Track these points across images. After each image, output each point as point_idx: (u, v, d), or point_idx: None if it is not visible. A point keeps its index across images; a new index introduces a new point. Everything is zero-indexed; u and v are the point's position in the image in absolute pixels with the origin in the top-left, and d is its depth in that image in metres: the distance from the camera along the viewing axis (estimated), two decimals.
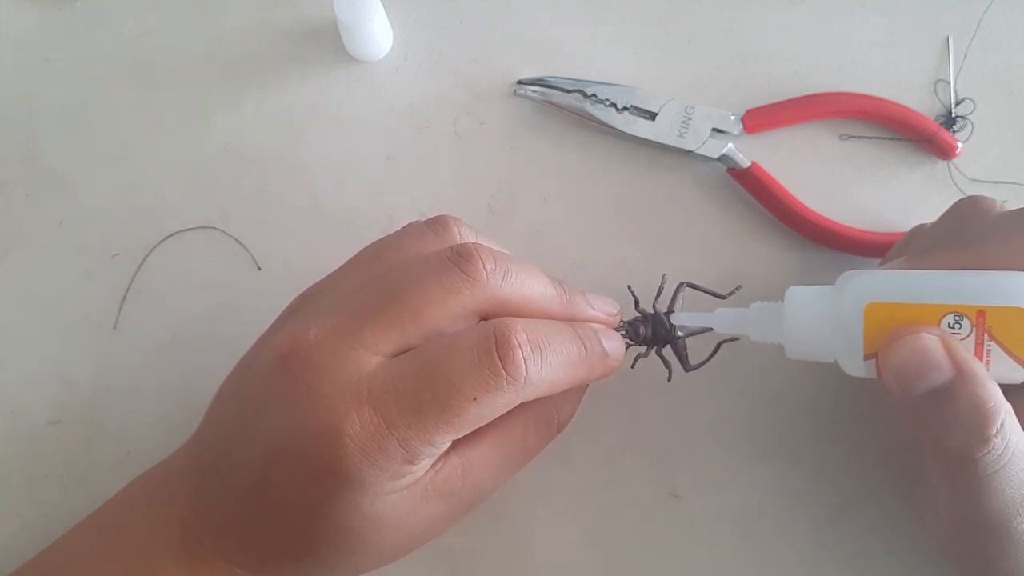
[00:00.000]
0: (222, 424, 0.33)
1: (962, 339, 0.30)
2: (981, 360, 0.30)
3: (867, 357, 0.31)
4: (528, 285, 0.32)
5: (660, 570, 0.39)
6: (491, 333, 0.30)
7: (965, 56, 0.45)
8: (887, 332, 0.30)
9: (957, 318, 0.30)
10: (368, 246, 0.35)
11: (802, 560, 0.39)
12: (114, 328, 0.42)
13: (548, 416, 0.35)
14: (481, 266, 0.31)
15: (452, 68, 0.45)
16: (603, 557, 0.39)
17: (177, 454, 0.35)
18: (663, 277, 0.38)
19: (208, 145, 0.44)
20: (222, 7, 0.46)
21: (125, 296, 0.42)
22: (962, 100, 0.44)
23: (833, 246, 0.42)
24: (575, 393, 0.36)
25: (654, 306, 0.37)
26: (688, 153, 0.43)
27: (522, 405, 0.31)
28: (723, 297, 0.38)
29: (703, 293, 0.38)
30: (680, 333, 0.37)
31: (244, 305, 0.42)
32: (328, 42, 0.45)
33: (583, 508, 0.39)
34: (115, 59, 0.46)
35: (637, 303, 0.38)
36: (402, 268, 0.32)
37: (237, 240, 0.43)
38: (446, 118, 0.45)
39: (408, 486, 0.30)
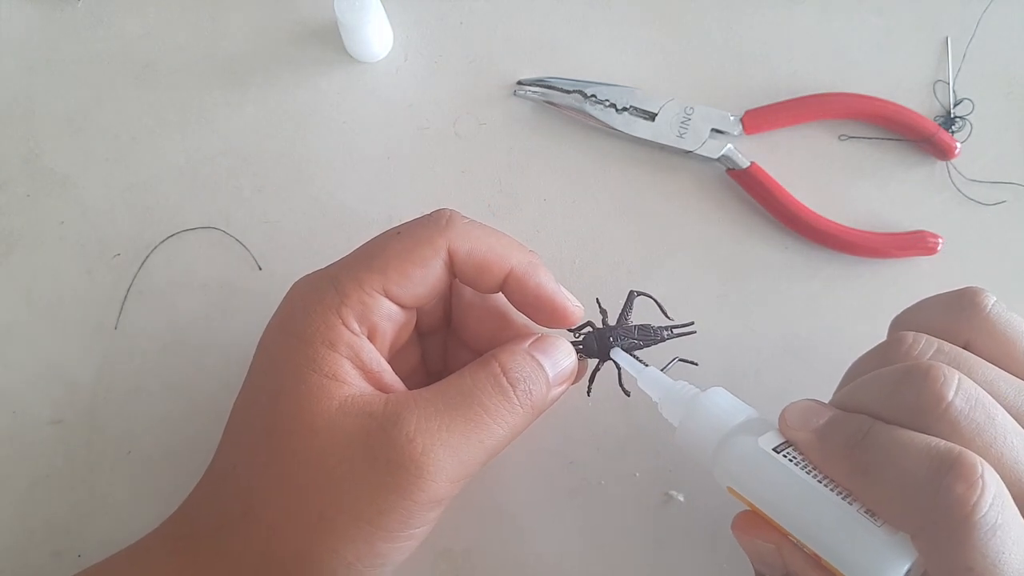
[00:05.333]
0: None
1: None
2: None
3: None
4: (490, 234, 0.33)
5: (660, 570, 0.39)
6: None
7: (964, 56, 0.45)
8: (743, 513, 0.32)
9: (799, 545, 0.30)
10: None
11: None
12: (115, 328, 0.42)
13: (494, 373, 0.33)
14: (444, 214, 0.33)
15: (452, 69, 0.45)
16: (603, 557, 0.39)
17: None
18: (630, 293, 0.37)
19: (209, 145, 0.44)
20: (223, 8, 0.46)
21: (126, 296, 0.42)
22: (961, 100, 0.44)
23: (832, 246, 0.42)
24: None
25: (604, 322, 0.37)
26: (687, 153, 0.43)
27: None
28: (670, 323, 0.37)
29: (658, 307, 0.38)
30: (617, 358, 0.36)
31: (245, 305, 0.42)
32: (328, 43, 0.45)
33: (583, 508, 0.39)
34: (116, 59, 0.46)
35: (604, 316, 0.37)
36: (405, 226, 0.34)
37: (238, 240, 0.43)
38: (446, 118, 0.45)
39: None
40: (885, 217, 0.43)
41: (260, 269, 0.43)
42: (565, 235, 0.43)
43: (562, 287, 0.34)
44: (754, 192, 0.43)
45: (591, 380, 0.37)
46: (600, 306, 0.37)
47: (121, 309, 0.42)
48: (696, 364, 0.37)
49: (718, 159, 0.43)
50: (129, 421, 0.41)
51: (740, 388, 0.41)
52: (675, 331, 0.37)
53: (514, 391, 0.32)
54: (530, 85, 0.44)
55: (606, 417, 0.40)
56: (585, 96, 0.44)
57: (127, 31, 0.46)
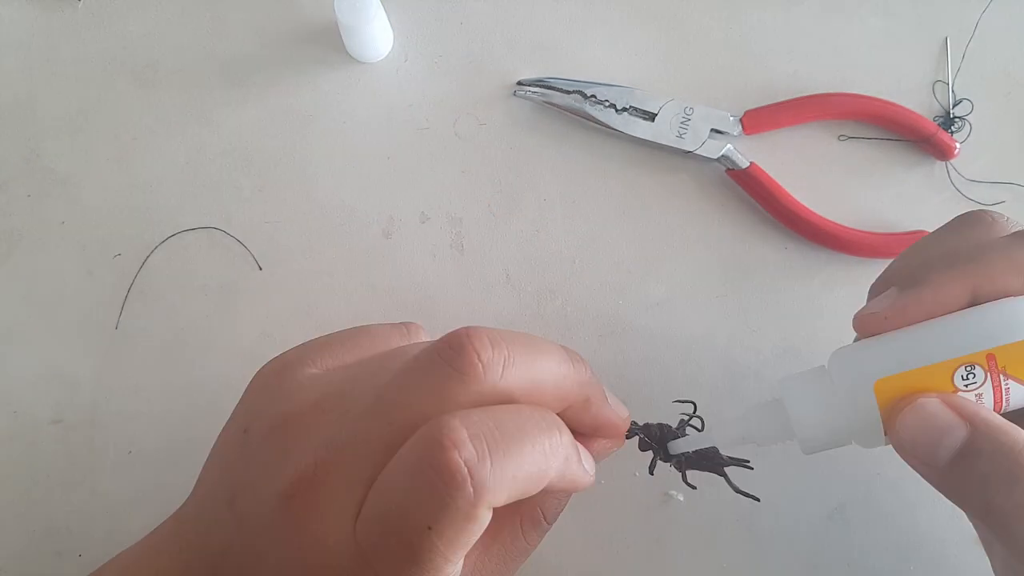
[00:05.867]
0: (217, 535, 0.29)
1: (979, 387, 0.28)
2: (1001, 401, 0.28)
3: (887, 433, 0.29)
4: (538, 367, 0.27)
5: (660, 570, 0.39)
6: (422, 439, 0.24)
7: (963, 57, 0.45)
8: (900, 405, 0.28)
9: (968, 369, 0.27)
10: (359, 329, 0.32)
11: (802, 560, 0.39)
12: (116, 328, 0.42)
13: (533, 515, 0.30)
14: (475, 357, 0.25)
15: (452, 69, 0.46)
16: (603, 557, 0.39)
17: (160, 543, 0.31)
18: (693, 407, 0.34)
19: (209, 145, 0.45)
20: (223, 8, 0.46)
21: (127, 296, 0.42)
22: (960, 101, 0.44)
23: (831, 246, 0.42)
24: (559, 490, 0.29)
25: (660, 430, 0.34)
26: (687, 154, 0.43)
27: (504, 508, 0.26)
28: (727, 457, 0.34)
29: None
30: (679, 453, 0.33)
31: (245, 305, 0.42)
32: (329, 43, 0.45)
33: (583, 508, 0.39)
34: (117, 60, 0.46)
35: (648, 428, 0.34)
36: (394, 379, 0.26)
37: (238, 240, 0.43)
38: (446, 119, 0.45)
39: None
40: (885, 217, 0.43)
41: (260, 269, 0.43)
42: (565, 235, 0.43)
43: (609, 398, 0.31)
44: (754, 192, 0.43)
45: (652, 466, 0.34)
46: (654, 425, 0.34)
47: (122, 309, 0.42)
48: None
49: (718, 159, 0.43)
50: (129, 421, 0.41)
51: (740, 388, 0.41)
52: (732, 461, 0.34)
53: (548, 524, 0.31)
54: (530, 85, 0.44)
55: None
56: (585, 96, 0.44)
57: (128, 31, 0.46)
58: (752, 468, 0.34)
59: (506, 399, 0.26)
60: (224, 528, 0.27)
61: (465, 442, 0.23)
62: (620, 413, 0.31)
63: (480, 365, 0.25)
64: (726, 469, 0.33)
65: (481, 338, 0.25)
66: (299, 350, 0.31)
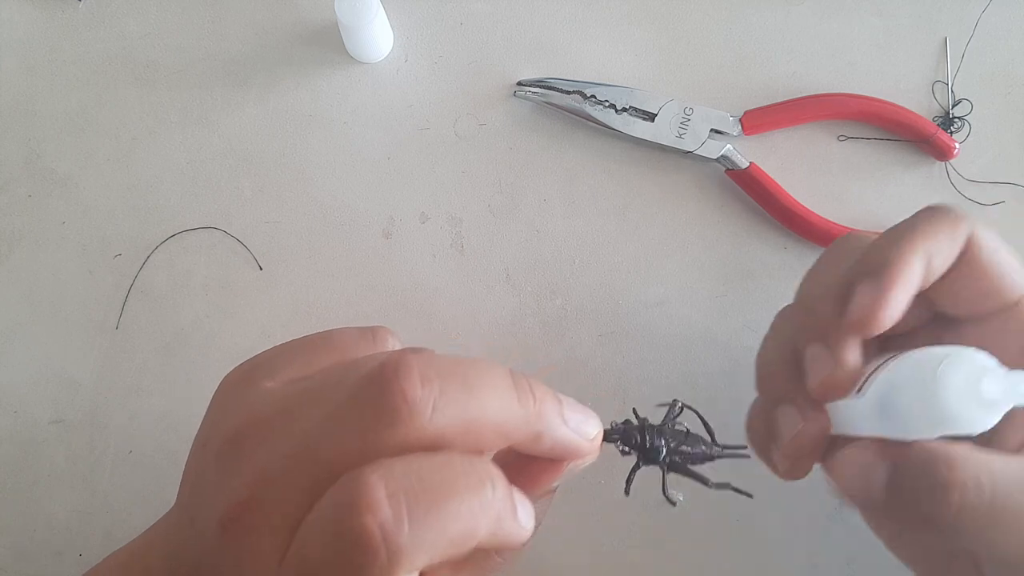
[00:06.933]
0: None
1: None
2: None
3: None
4: (475, 405, 0.24)
5: (660, 570, 0.39)
6: (337, 498, 0.23)
7: (963, 57, 0.45)
8: None
9: None
10: (323, 336, 0.30)
11: (802, 560, 0.39)
12: (116, 328, 0.42)
13: (485, 559, 0.27)
14: (400, 397, 0.23)
15: (452, 69, 0.46)
16: (603, 557, 0.39)
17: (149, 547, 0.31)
18: (673, 402, 0.33)
19: (210, 145, 0.45)
20: (224, 8, 0.46)
21: (127, 296, 0.42)
22: (959, 101, 0.44)
23: None
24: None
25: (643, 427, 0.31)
26: (687, 154, 0.43)
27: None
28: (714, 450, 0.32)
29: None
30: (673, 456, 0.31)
31: (245, 305, 0.42)
32: (329, 43, 0.46)
33: (583, 508, 0.39)
34: (117, 60, 0.46)
35: (643, 422, 0.32)
36: (327, 414, 0.24)
37: (239, 240, 0.43)
38: (446, 119, 0.45)
39: None
40: (884, 217, 0.43)
41: (261, 269, 0.43)
42: (565, 235, 0.43)
43: (570, 415, 0.27)
44: (753, 192, 0.43)
45: (628, 481, 0.31)
46: (637, 416, 0.32)
47: (122, 309, 0.42)
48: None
49: (717, 159, 0.43)
50: (129, 421, 0.41)
51: (740, 388, 0.41)
52: (726, 451, 0.32)
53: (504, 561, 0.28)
54: (530, 86, 0.44)
55: (605, 417, 0.40)
56: (585, 97, 0.44)
57: (128, 32, 0.46)
58: (748, 456, 0.33)
59: (436, 442, 0.24)
60: (193, 544, 0.27)
61: (381, 503, 0.22)
62: (585, 432, 0.27)
63: (406, 406, 0.23)
64: (715, 467, 0.32)
65: (409, 373, 0.23)
66: (261, 358, 0.30)
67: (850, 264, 0.32)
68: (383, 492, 0.22)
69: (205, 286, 0.43)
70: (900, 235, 0.31)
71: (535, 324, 0.42)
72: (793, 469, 0.32)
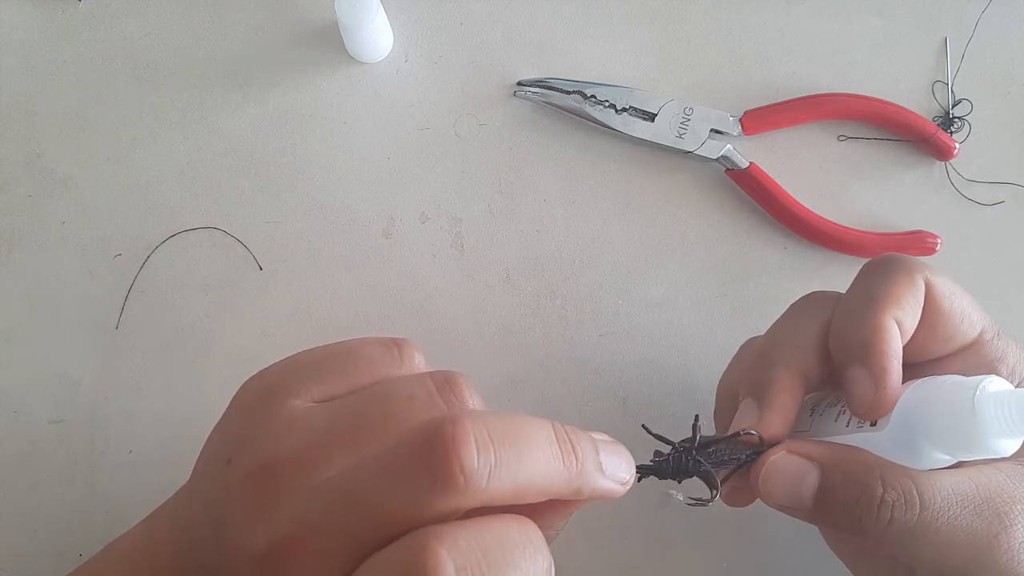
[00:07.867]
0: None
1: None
2: None
3: None
4: (525, 471, 0.24)
5: (660, 570, 0.39)
6: (401, 570, 0.22)
7: (963, 57, 0.45)
8: None
9: None
10: (348, 349, 0.29)
11: (802, 560, 0.39)
12: (116, 328, 0.42)
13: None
14: (457, 467, 0.23)
15: (452, 69, 0.46)
16: (603, 557, 0.39)
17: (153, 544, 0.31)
18: (696, 419, 0.32)
19: (210, 145, 0.45)
20: (223, 8, 0.46)
21: (127, 296, 0.42)
22: (959, 101, 0.44)
23: (831, 246, 0.42)
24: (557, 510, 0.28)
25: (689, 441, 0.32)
26: (687, 154, 0.43)
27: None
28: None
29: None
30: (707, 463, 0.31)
31: (246, 305, 0.42)
32: (329, 43, 0.46)
33: (583, 508, 0.39)
34: (117, 60, 0.46)
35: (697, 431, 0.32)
36: (374, 468, 0.24)
37: (239, 240, 0.43)
38: (446, 119, 0.45)
39: None
40: (884, 217, 0.43)
41: (261, 269, 0.43)
42: (565, 235, 0.43)
43: (607, 458, 0.27)
44: (753, 192, 0.43)
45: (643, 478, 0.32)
46: (649, 431, 0.32)
47: (122, 309, 0.42)
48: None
49: (717, 159, 0.43)
50: (129, 421, 0.41)
51: None
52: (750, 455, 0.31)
53: None
54: (530, 86, 0.44)
55: (605, 416, 0.40)
56: (585, 97, 0.44)
57: (128, 31, 0.46)
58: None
59: (486, 504, 0.24)
60: (213, 549, 0.27)
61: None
62: (619, 476, 0.28)
63: (463, 476, 0.23)
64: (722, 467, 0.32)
65: (467, 442, 0.23)
66: (284, 370, 0.29)
67: (820, 323, 0.32)
68: (452, 569, 0.22)
69: (205, 286, 0.43)
70: (868, 306, 0.30)
71: (535, 324, 0.42)
72: (733, 499, 0.33)
